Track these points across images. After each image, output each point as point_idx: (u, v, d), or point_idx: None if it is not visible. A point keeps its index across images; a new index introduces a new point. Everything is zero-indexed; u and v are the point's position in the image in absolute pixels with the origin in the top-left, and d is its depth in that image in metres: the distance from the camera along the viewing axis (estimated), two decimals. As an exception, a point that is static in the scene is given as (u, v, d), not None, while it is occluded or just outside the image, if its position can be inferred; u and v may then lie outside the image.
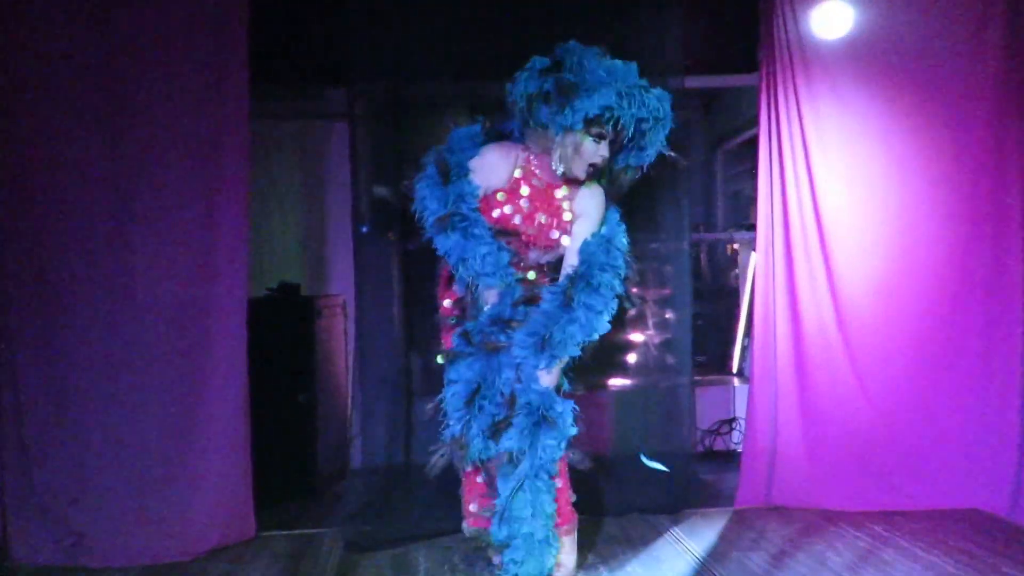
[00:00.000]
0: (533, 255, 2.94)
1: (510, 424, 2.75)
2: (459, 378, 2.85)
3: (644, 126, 2.76)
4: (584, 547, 3.10)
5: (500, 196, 2.86)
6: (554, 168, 2.82)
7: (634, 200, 3.98)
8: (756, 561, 3.07)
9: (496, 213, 2.86)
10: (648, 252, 4.08)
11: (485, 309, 2.83)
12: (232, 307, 3.36)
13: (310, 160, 4.75)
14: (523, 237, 2.89)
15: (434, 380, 4.11)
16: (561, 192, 2.90)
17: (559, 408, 2.76)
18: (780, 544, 3.25)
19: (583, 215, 2.90)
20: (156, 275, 3.30)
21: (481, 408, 2.80)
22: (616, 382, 4.60)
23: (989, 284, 3.63)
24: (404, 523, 3.47)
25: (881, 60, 3.66)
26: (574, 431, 2.79)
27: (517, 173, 2.89)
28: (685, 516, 3.61)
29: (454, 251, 2.80)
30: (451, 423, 2.86)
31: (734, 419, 4.71)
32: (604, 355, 4.44)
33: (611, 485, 3.75)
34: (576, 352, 2.80)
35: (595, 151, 2.78)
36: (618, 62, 2.75)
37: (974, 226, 3.64)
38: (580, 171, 2.82)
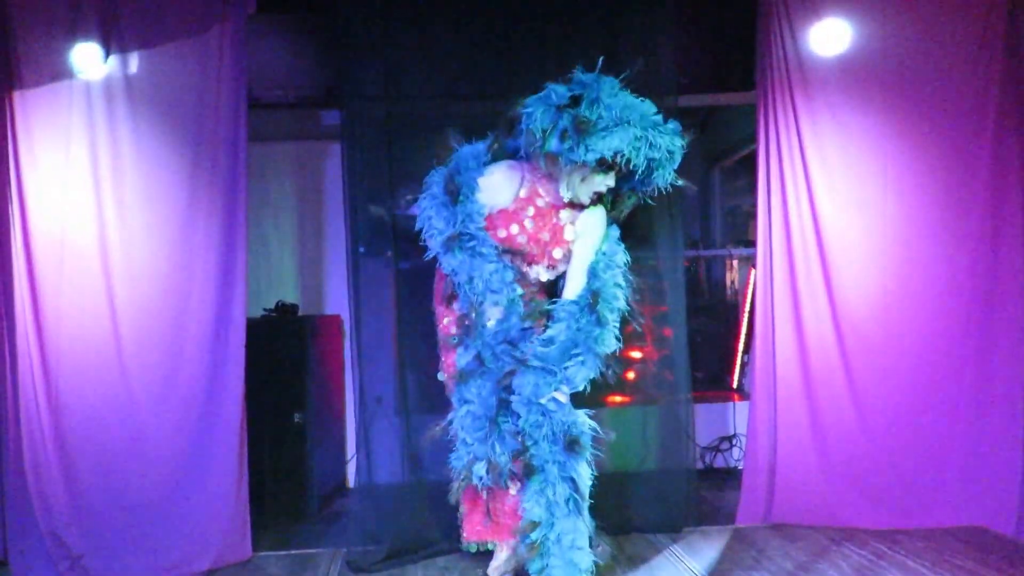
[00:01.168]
0: (533, 273, 2.97)
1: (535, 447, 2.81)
2: (474, 398, 2.87)
3: (654, 163, 2.79)
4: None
5: (505, 216, 2.93)
6: (561, 195, 2.90)
7: (630, 217, 4.00)
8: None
9: (502, 233, 2.92)
10: (645, 268, 4.06)
11: (488, 326, 2.86)
12: (231, 329, 3.37)
13: (306, 180, 4.78)
14: (526, 256, 2.95)
15: (431, 399, 4.11)
16: (565, 213, 2.97)
17: (582, 425, 2.85)
18: (781, 562, 3.22)
19: (585, 235, 2.96)
20: (154, 296, 3.31)
21: (503, 428, 2.85)
22: (614, 399, 4.57)
23: (990, 301, 3.62)
24: (401, 542, 3.44)
25: (881, 78, 3.67)
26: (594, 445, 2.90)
27: (522, 193, 2.95)
28: (685, 534, 3.59)
29: (461, 269, 2.87)
30: (467, 443, 2.90)
31: (734, 436, 4.69)
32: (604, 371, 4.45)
33: (610, 503, 3.71)
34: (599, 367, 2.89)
35: (602, 181, 2.86)
36: (634, 100, 2.75)
37: (974, 243, 3.63)
38: (586, 198, 2.90)
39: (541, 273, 3.01)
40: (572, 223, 2.96)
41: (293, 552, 3.52)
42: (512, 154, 3.04)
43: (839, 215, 3.66)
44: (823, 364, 3.65)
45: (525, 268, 2.98)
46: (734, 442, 4.67)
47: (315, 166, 4.73)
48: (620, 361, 4.57)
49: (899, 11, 3.68)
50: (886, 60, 3.67)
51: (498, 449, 2.84)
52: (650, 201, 3.04)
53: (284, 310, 4.22)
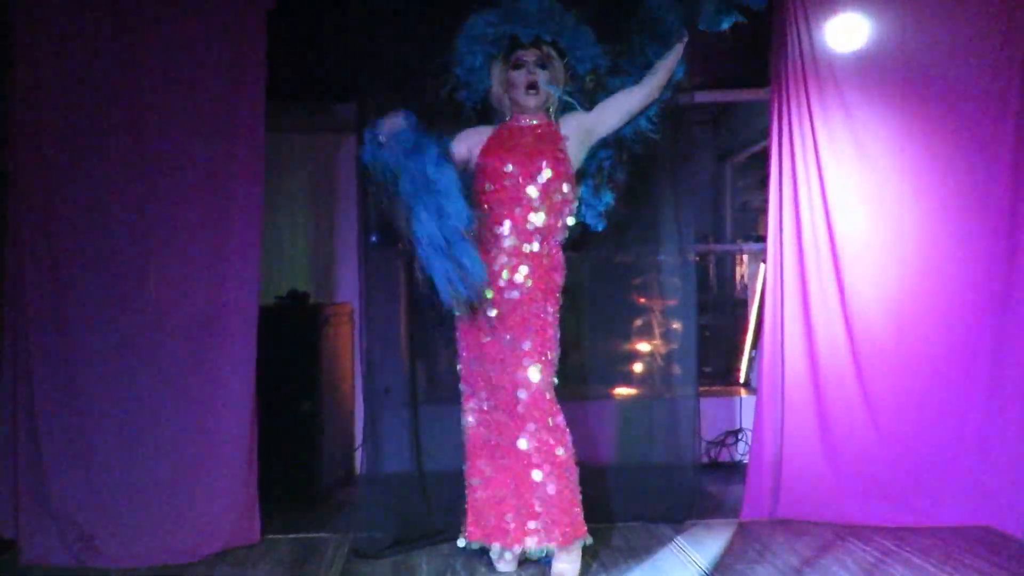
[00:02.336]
0: (531, 215, 2.96)
1: None
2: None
3: (561, 41, 3.01)
4: (587, 555, 3.09)
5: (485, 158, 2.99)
6: (502, 110, 3.05)
7: (640, 211, 4.02)
8: (761, 574, 3.06)
9: (488, 168, 2.97)
10: (654, 263, 4.09)
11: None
12: (243, 316, 3.39)
13: (320, 172, 4.81)
14: (519, 182, 2.93)
15: (439, 390, 4.15)
16: (541, 129, 3.03)
17: None
18: (786, 557, 3.23)
19: (585, 116, 3.07)
20: (169, 281, 3.34)
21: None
22: (621, 391, 4.60)
23: (1003, 301, 3.59)
24: (406, 530, 3.47)
25: (897, 73, 3.64)
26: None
27: (490, 134, 3.06)
28: (689, 527, 3.60)
29: (389, 164, 2.81)
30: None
31: (740, 430, 4.70)
32: (609, 364, 4.49)
33: (615, 494, 3.74)
34: None
35: (524, 76, 2.96)
36: None
37: (990, 244, 3.61)
38: (523, 98, 2.99)
39: (538, 208, 2.95)
40: (557, 141, 3.00)
41: (300, 536, 3.55)
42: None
43: (851, 212, 3.65)
44: (832, 360, 3.65)
45: (516, 209, 2.95)
46: (740, 436, 4.68)
47: (329, 158, 4.76)
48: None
49: (918, 5, 3.65)
50: (903, 56, 3.64)
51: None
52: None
53: (296, 298, 4.25)
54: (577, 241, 4.38)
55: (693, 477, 3.82)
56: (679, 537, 3.47)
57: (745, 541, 3.43)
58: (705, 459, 4.55)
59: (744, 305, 5.37)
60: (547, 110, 3.06)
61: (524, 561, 3.12)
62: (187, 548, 3.27)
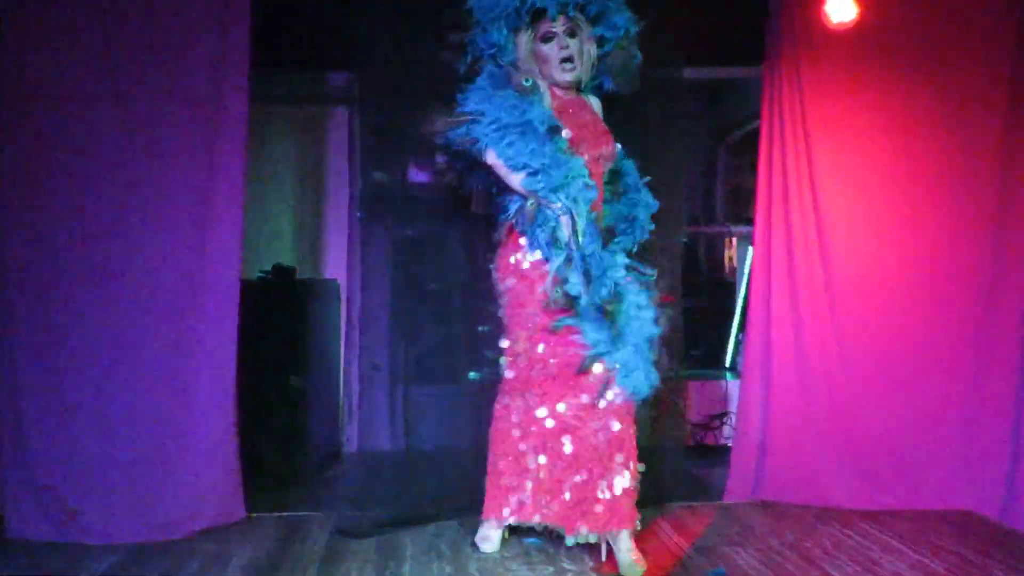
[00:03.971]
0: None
1: None
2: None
3: (591, 9, 2.80)
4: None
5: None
6: (527, 85, 2.76)
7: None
8: (743, 556, 3.07)
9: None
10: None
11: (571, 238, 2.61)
12: (225, 289, 3.36)
13: (308, 144, 4.75)
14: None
15: (427, 368, 4.13)
16: (586, 105, 2.90)
17: None
18: (767, 539, 3.25)
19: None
20: (151, 254, 3.30)
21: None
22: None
23: (987, 287, 3.61)
24: (392, 509, 3.47)
25: (892, 56, 3.61)
26: None
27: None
28: (672, 509, 3.61)
29: (536, 158, 2.58)
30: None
31: (726, 414, 4.71)
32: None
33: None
34: None
35: (556, 49, 2.76)
36: None
37: (979, 233, 3.61)
38: (557, 73, 2.79)
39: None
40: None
41: (286, 515, 3.54)
42: None
43: (841, 196, 3.64)
44: (817, 344, 3.66)
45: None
46: (726, 420, 4.69)
47: (318, 129, 4.70)
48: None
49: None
50: (899, 37, 3.61)
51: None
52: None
53: (281, 273, 4.22)
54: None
55: (678, 460, 3.83)
56: (663, 519, 3.48)
57: (728, 523, 3.45)
58: (691, 442, 4.56)
59: (733, 288, 5.36)
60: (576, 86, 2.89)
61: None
62: (171, 525, 3.27)
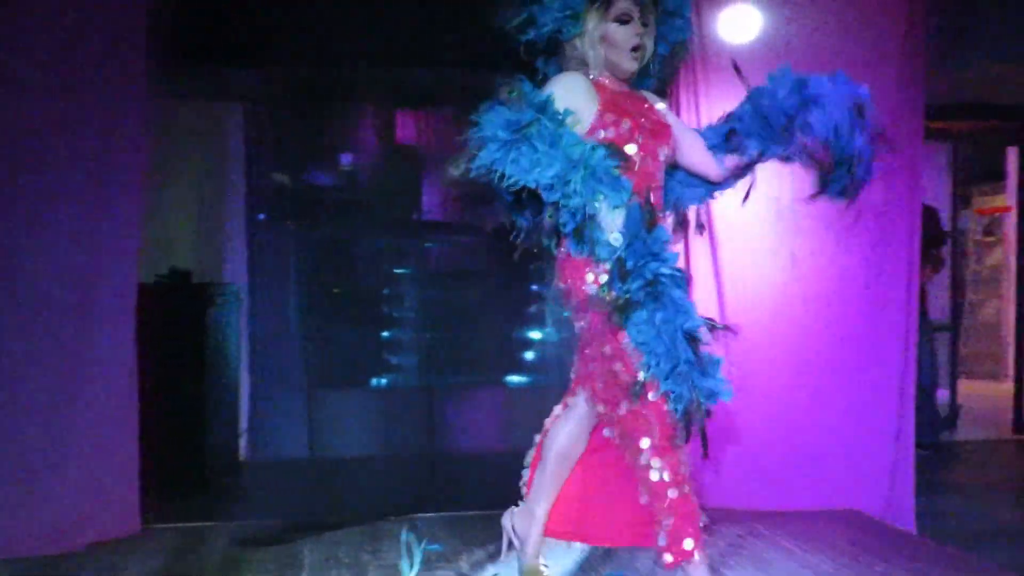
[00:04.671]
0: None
1: None
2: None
3: (668, 4, 2.47)
4: (472, 540, 3.09)
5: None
6: (596, 75, 2.42)
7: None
8: (642, 558, 3.11)
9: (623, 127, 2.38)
10: (549, 249, 4.10)
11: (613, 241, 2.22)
12: (121, 293, 3.25)
13: (208, 142, 4.60)
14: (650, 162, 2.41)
15: (332, 373, 4.09)
16: (640, 99, 2.51)
17: None
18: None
19: (678, 127, 2.57)
20: (41, 255, 3.16)
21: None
22: (514, 379, 4.62)
23: (873, 289, 3.74)
24: (293, 518, 3.41)
25: (785, 56, 3.71)
26: None
27: (599, 103, 2.39)
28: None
29: (545, 163, 2.15)
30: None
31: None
32: (503, 351, 4.50)
33: (504, 483, 3.75)
34: None
35: (628, 34, 2.40)
36: None
37: (863, 243, 3.73)
38: (625, 61, 2.41)
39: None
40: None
41: (182, 526, 3.44)
42: None
43: (732, 204, 3.72)
44: (710, 349, 3.72)
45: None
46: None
47: (218, 127, 4.55)
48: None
49: (810, 2, 3.74)
50: (792, 52, 3.72)
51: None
52: None
53: (177, 276, 4.09)
54: (474, 225, 4.40)
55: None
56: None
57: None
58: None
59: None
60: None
61: None
62: (59, 537, 3.12)
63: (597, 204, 2.19)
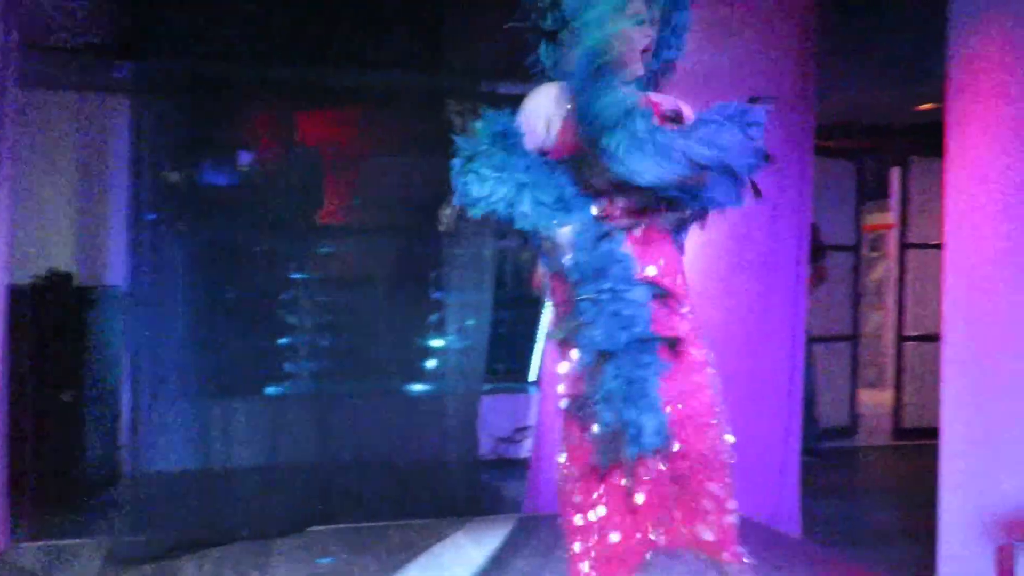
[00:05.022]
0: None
1: None
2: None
3: (675, 17, 2.35)
4: (365, 553, 3.03)
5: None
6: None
7: (439, 202, 3.99)
8: (535, 567, 3.12)
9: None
10: (450, 257, 4.08)
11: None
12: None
13: (90, 136, 4.37)
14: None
15: (221, 381, 3.93)
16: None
17: None
18: (556, 551, 3.29)
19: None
20: None
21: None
22: (411, 387, 4.56)
23: (762, 301, 3.83)
24: (175, 533, 3.26)
25: (679, 88, 3.80)
26: None
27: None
28: (471, 523, 3.62)
29: (491, 190, 2.00)
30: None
31: (528, 427, 4.79)
32: (401, 359, 4.43)
33: (397, 491, 3.71)
34: None
35: (641, 35, 2.28)
36: None
37: (752, 262, 3.81)
38: (633, 60, 2.28)
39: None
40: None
41: (53, 543, 3.26)
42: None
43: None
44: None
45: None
46: (528, 433, 4.77)
47: (101, 121, 4.33)
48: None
49: (707, 23, 3.83)
50: (690, 76, 3.79)
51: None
52: None
53: (55, 278, 3.87)
54: (378, 230, 4.33)
55: (478, 473, 3.85)
56: (460, 534, 3.48)
57: (522, 535, 3.49)
58: (493, 455, 4.61)
59: (540, 303, 5.48)
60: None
61: None
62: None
63: (554, 223, 2.08)
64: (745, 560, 2.19)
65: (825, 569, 3.14)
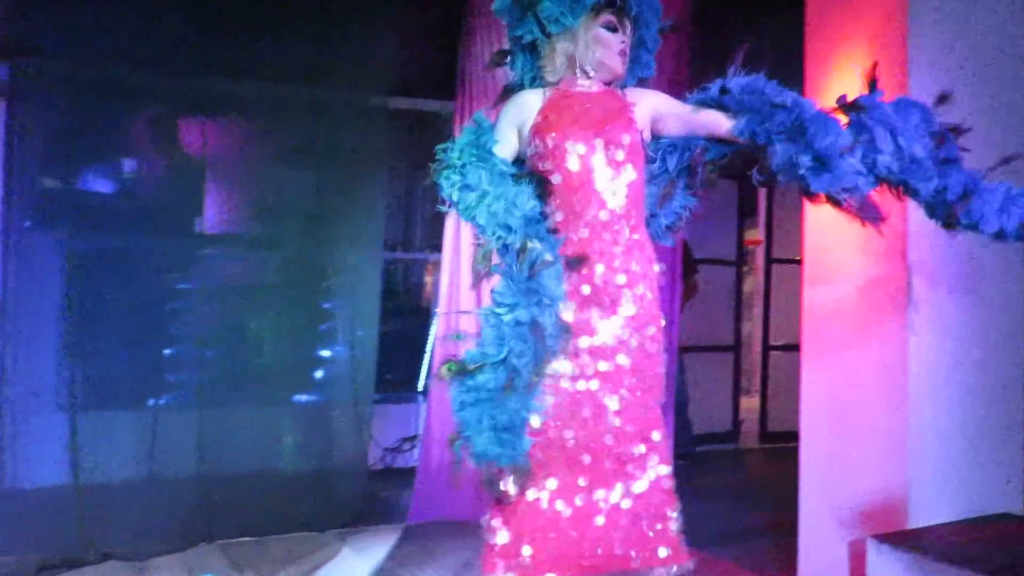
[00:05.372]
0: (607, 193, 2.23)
1: None
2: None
3: (645, 36, 2.41)
4: (247, 568, 3.01)
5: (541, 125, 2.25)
6: (591, 73, 2.33)
7: (330, 212, 4.02)
8: (422, 576, 3.17)
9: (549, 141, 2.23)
10: (340, 266, 4.09)
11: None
12: None
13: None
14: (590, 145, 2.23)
15: (101, 393, 3.81)
16: (608, 95, 2.36)
17: None
18: (446, 559, 3.37)
19: (655, 96, 2.40)
20: None
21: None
22: (298, 397, 4.54)
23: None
24: (47, 552, 3.15)
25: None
26: None
27: (546, 94, 2.32)
28: (356, 534, 3.63)
29: (459, 199, 2.08)
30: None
31: (417, 436, 4.83)
32: (290, 368, 4.41)
33: (283, 503, 3.69)
34: None
35: (615, 39, 2.34)
36: None
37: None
38: (612, 60, 2.33)
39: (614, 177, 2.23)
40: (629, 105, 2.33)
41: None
42: None
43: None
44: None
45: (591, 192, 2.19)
46: (415, 442, 4.82)
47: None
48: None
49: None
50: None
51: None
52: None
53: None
54: (266, 240, 4.29)
55: (365, 483, 3.87)
56: (345, 545, 3.49)
57: (410, 544, 3.54)
58: (381, 465, 4.63)
59: (430, 314, 5.54)
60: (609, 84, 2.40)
61: None
62: None
63: (503, 233, 2.11)
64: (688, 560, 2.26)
65: (697, 569, 3.30)
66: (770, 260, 6.39)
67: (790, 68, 3.28)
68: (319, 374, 4.69)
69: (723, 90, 2.28)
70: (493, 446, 1.97)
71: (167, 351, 4.23)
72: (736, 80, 2.28)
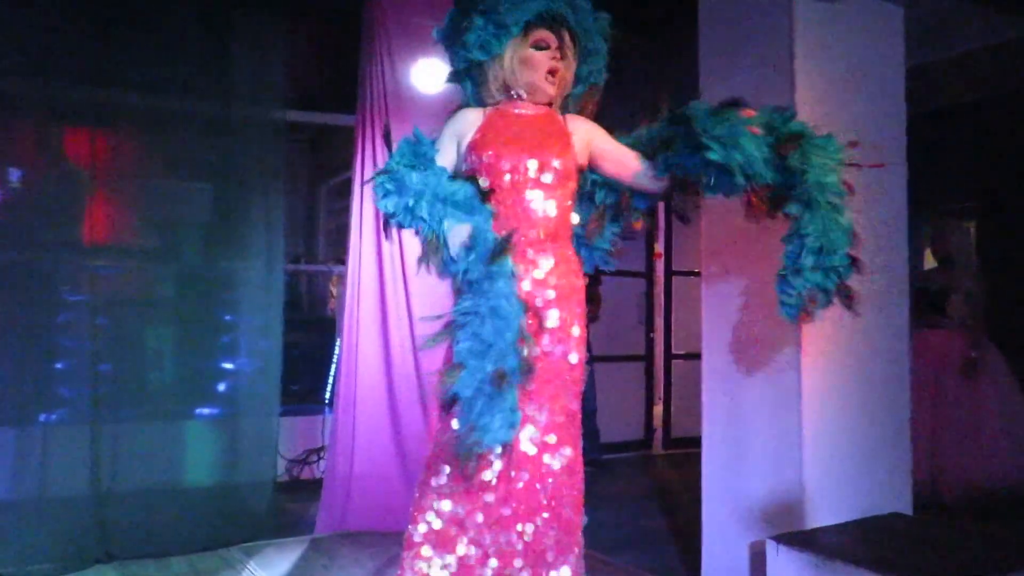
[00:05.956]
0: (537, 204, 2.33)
1: None
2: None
3: (588, 44, 2.46)
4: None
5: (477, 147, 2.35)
6: (523, 95, 2.41)
7: (231, 226, 3.94)
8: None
9: (484, 158, 2.33)
10: (241, 279, 4.02)
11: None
12: None
13: None
14: (522, 160, 2.32)
15: (44, 400, 3.62)
16: (546, 119, 2.44)
17: None
18: (352, 570, 3.34)
19: (594, 130, 2.46)
20: None
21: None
22: (201, 411, 4.42)
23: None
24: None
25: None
26: None
27: (485, 112, 2.42)
28: (261, 547, 3.57)
29: (394, 205, 2.16)
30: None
31: (322, 448, 4.78)
32: (191, 381, 4.29)
33: (184, 520, 3.58)
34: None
35: (545, 59, 2.40)
36: None
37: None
38: (542, 81, 2.40)
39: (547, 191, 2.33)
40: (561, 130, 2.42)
41: None
42: None
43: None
44: (404, 374, 3.87)
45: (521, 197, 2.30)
46: (322, 454, 4.76)
47: None
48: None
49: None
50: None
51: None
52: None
53: None
54: (161, 252, 4.16)
55: (271, 496, 3.80)
56: (250, 560, 3.42)
57: (315, 556, 3.49)
58: (286, 478, 4.55)
59: (335, 325, 5.49)
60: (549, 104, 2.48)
61: None
62: None
63: (447, 223, 2.18)
64: None
65: (602, 574, 3.37)
66: (670, 272, 6.58)
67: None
68: (222, 387, 4.57)
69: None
70: (505, 430, 2.03)
71: (58, 365, 4.06)
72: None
